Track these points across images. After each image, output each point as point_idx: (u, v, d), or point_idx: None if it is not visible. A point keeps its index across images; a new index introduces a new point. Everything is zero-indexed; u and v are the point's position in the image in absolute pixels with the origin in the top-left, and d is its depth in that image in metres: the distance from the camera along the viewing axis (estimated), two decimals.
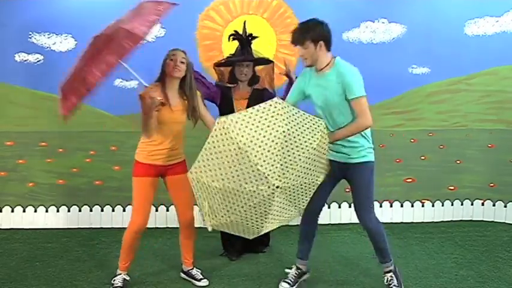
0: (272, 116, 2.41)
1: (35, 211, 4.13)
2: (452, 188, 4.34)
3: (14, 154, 4.08)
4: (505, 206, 4.31)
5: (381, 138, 4.25)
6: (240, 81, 3.35)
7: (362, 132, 2.72)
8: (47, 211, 4.14)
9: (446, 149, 4.30)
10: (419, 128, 4.27)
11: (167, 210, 4.14)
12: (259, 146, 2.36)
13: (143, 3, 2.78)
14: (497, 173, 4.29)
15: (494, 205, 4.34)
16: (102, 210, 4.17)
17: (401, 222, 4.29)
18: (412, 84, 4.19)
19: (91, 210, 4.17)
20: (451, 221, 4.32)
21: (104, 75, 2.44)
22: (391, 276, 2.86)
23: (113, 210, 4.16)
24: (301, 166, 2.52)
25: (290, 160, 2.46)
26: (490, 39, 4.13)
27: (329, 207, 4.20)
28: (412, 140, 4.28)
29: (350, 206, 4.25)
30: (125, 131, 4.01)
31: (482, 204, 4.36)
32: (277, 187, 2.45)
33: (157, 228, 4.06)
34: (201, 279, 3.02)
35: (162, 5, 2.65)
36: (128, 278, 2.93)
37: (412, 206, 4.34)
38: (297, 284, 2.94)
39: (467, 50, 4.12)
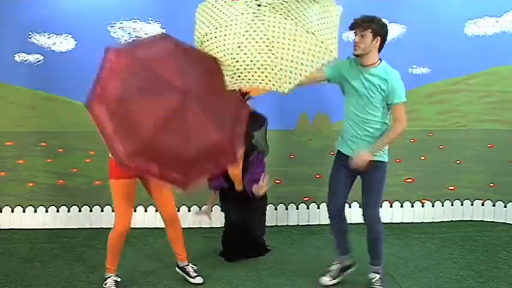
0: None
1: (35, 211, 4.13)
2: (452, 188, 4.34)
3: (14, 154, 4.08)
4: (505, 206, 4.31)
5: None
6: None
7: (379, 135, 2.77)
8: (46, 211, 4.14)
9: (446, 149, 4.30)
10: (419, 128, 4.26)
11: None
12: None
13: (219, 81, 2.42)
14: (497, 173, 4.29)
15: (494, 205, 4.34)
16: (102, 211, 4.17)
17: (401, 222, 4.29)
18: (412, 84, 4.17)
19: (91, 211, 4.17)
20: (451, 221, 4.32)
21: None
22: (379, 279, 2.91)
23: (113, 211, 4.14)
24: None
25: None
26: (490, 39, 4.13)
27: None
28: (412, 140, 4.28)
29: (350, 207, 4.25)
30: None
31: (482, 204, 4.36)
32: (259, 5, 2.36)
33: (157, 228, 4.05)
34: (196, 276, 3.03)
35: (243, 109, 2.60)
36: (119, 279, 2.93)
37: (412, 206, 4.34)
38: (339, 278, 3.00)
39: (467, 50, 4.12)
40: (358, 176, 2.87)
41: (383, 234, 2.87)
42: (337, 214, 2.92)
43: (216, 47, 2.40)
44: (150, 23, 3.99)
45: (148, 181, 2.88)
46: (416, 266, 3.31)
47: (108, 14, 3.96)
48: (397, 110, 2.72)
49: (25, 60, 3.98)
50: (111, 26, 3.97)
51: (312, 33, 2.32)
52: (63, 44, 3.98)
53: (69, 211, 4.15)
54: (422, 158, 4.31)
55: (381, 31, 2.72)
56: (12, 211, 4.12)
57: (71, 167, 4.11)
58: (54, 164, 4.10)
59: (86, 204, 4.16)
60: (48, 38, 3.97)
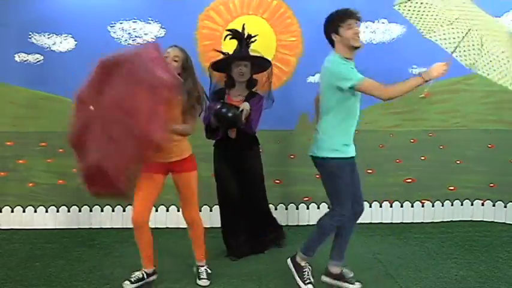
0: None
1: (35, 211, 4.13)
2: (452, 188, 4.34)
3: (14, 154, 4.08)
4: (505, 206, 4.31)
5: (381, 138, 4.26)
6: (237, 81, 3.34)
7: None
8: (46, 211, 4.14)
9: (446, 149, 4.30)
10: (419, 128, 4.27)
11: (167, 210, 4.14)
12: None
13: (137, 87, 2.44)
14: (497, 173, 4.29)
15: (494, 205, 4.34)
16: (102, 211, 4.17)
17: (401, 223, 4.29)
18: None
19: (91, 211, 4.17)
20: (451, 221, 4.32)
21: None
22: (299, 266, 2.91)
23: (113, 211, 4.16)
24: None
25: None
26: None
27: (329, 208, 4.20)
28: (412, 140, 4.28)
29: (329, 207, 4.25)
30: None
31: (482, 204, 4.36)
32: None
33: (157, 228, 4.05)
34: (202, 278, 3.02)
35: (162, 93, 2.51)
36: (146, 273, 2.94)
37: (412, 206, 4.34)
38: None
39: None
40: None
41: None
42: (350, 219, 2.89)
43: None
44: (150, 23, 4.00)
45: (175, 179, 2.88)
46: (416, 266, 3.31)
47: (108, 14, 3.96)
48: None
49: (25, 60, 3.98)
50: (111, 26, 3.97)
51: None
52: (63, 44, 3.98)
53: (69, 211, 4.15)
54: (422, 158, 4.31)
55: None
56: (12, 211, 4.12)
57: (71, 167, 4.08)
58: (54, 164, 4.10)
59: (85, 204, 4.16)
60: (48, 38, 3.97)
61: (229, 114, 3.15)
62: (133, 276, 2.91)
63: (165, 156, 2.77)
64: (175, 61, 2.76)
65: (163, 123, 2.39)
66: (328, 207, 2.95)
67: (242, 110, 3.16)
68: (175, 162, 2.84)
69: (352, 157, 2.82)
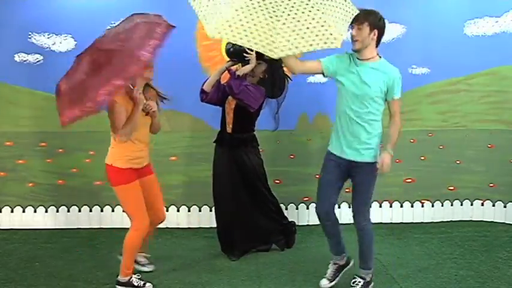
0: None
1: (35, 211, 4.13)
2: (452, 188, 4.34)
3: (13, 154, 4.08)
4: (505, 206, 4.32)
5: (381, 138, 4.25)
6: (250, 76, 3.30)
7: (378, 133, 2.76)
8: (46, 211, 4.14)
9: (446, 149, 4.30)
10: (419, 128, 4.27)
11: (167, 210, 4.14)
12: None
13: (138, 22, 2.79)
14: (497, 173, 4.29)
15: (493, 205, 4.34)
16: (101, 211, 4.17)
17: (401, 223, 4.29)
18: (412, 85, 4.18)
19: (91, 211, 4.16)
20: (451, 221, 4.32)
21: (109, 97, 2.44)
22: (363, 285, 2.89)
23: (113, 211, 4.16)
24: None
25: None
26: (489, 39, 4.13)
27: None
28: (411, 140, 4.28)
29: (350, 207, 4.25)
30: None
31: (482, 204, 4.36)
32: None
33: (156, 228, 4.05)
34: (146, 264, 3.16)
35: (160, 27, 2.66)
36: (139, 276, 2.97)
37: (412, 206, 4.34)
38: (337, 278, 2.99)
39: (466, 50, 4.12)
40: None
41: (374, 235, 2.88)
42: (325, 217, 2.88)
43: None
44: None
45: (143, 183, 2.90)
46: (416, 266, 3.31)
47: (108, 14, 3.95)
48: (395, 105, 2.78)
49: (25, 60, 3.98)
50: (111, 26, 3.96)
51: (323, 13, 2.29)
52: (63, 44, 3.98)
53: (68, 211, 4.15)
54: (422, 158, 4.31)
55: (378, 24, 2.65)
56: (12, 211, 4.12)
57: (70, 167, 4.11)
58: (54, 164, 4.10)
59: (85, 205, 4.16)
60: (48, 38, 3.97)
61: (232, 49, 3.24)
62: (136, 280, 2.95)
63: (141, 162, 2.86)
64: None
65: (153, 45, 2.52)
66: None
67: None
68: (144, 167, 2.91)
69: (336, 155, 2.81)
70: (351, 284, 2.92)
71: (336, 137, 2.82)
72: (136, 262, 3.10)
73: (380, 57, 2.74)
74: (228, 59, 3.34)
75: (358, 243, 2.89)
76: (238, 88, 3.16)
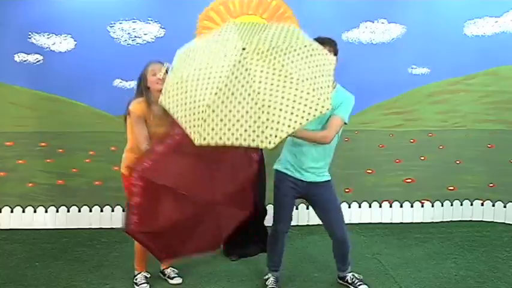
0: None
1: (35, 211, 4.13)
2: (451, 188, 4.34)
3: (13, 154, 4.08)
4: (505, 207, 4.32)
5: (381, 139, 4.26)
6: None
7: (331, 151, 2.74)
8: (46, 211, 4.14)
9: (446, 149, 4.30)
10: (418, 129, 4.27)
11: None
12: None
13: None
14: (497, 174, 4.29)
15: (493, 205, 4.34)
16: (101, 211, 4.17)
17: (401, 223, 4.29)
18: (412, 85, 4.19)
19: (90, 211, 4.16)
20: (451, 221, 4.32)
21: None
22: (353, 275, 2.96)
23: (113, 211, 4.16)
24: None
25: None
26: (489, 39, 4.13)
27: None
28: (411, 141, 4.29)
29: (350, 207, 4.26)
30: (125, 132, 4.00)
31: (482, 204, 4.36)
32: (244, 49, 2.08)
33: None
34: (174, 277, 3.06)
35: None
36: (148, 275, 2.97)
37: (412, 206, 4.34)
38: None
39: (466, 50, 4.13)
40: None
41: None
42: (277, 239, 2.89)
43: (185, 92, 2.11)
44: (149, 23, 3.99)
45: None
46: (416, 266, 3.31)
47: (108, 14, 3.96)
48: (333, 120, 2.57)
49: (25, 61, 3.98)
50: (111, 26, 3.97)
51: (302, 81, 2.05)
52: (62, 44, 3.98)
53: (68, 211, 4.15)
54: (422, 158, 4.31)
55: (337, 52, 2.61)
56: (12, 211, 4.12)
57: (70, 167, 4.11)
58: (54, 164, 4.10)
59: (85, 205, 4.16)
60: (48, 38, 3.97)
61: None
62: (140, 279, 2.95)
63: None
64: (165, 73, 2.76)
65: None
66: (324, 225, 2.95)
67: None
68: None
69: (292, 176, 2.77)
70: (351, 281, 2.94)
71: (293, 163, 2.75)
72: (164, 274, 3.08)
73: (334, 81, 2.65)
74: None
75: (337, 252, 2.92)
76: None
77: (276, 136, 2.01)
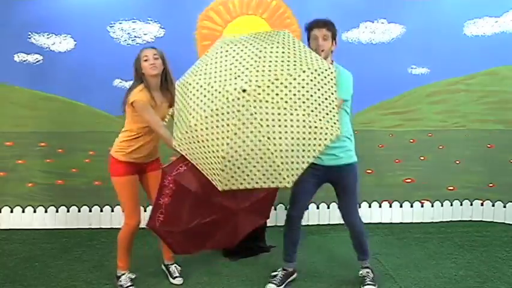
0: (278, 42, 2.22)
1: (34, 211, 4.13)
2: (451, 188, 4.34)
3: (13, 154, 4.08)
4: (504, 206, 4.32)
5: (381, 138, 4.26)
6: None
7: (349, 135, 2.75)
8: (46, 211, 4.14)
9: (446, 149, 4.30)
10: (418, 128, 4.27)
11: None
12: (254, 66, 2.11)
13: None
14: (497, 173, 4.29)
15: (493, 205, 4.34)
16: (101, 211, 4.16)
17: (401, 223, 4.29)
18: (412, 85, 4.19)
19: (90, 211, 4.16)
20: (451, 221, 4.32)
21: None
22: (368, 272, 2.96)
23: (112, 211, 4.16)
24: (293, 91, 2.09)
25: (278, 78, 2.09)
26: (489, 39, 4.13)
27: (328, 207, 4.21)
28: (411, 140, 4.29)
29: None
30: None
31: (482, 204, 4.36)
32: (244, 90, 2.05)
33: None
34: (177, 277, 3.05)
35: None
36: (133, 276, 2.96)
37: (412, 206, 4.34)
38: (284, 284, 2.98)
39: (466, 50, 4.13)
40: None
41: (365, 231, 2.93)
42: (293, 224, 2.92)
43: (197, 142, 2.18)
44: (149, 23, 4.00)
45: (149, 178, 2.90)
46: (416, 266, 3.31)
47: (108, 14, 3.96)
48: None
49: (24, 61, 3.98)
50: (111, 26, 3.97)
51: (309, 114, 2.08)
52: (62, 44, 3.98)
53: (68, 211, 4.15)
54: (422, 158, 4.31)
55: (336, 35, 2.69)
56: (12, 211, 4.12)
57: (70, 167, 4.11)
58: (54, 164, 4.10)
59: (85, 205, 4.16)
60: (48, 38, 3.97)
61: None
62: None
63: (146, 157, 2.85)
64: (156, 58, 2.76)
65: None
66: (339, 207, 2.94)
67: None
68: (150, 163, 2.90)
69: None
70: (361, 276, 2.96)
71: None
72: (167, 269, 3.09)
73: (333, 61, 2.73)
74: None
75: (354, 241, 2.94)
76: None
77: (293, 175, 2.12)
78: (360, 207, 4.26)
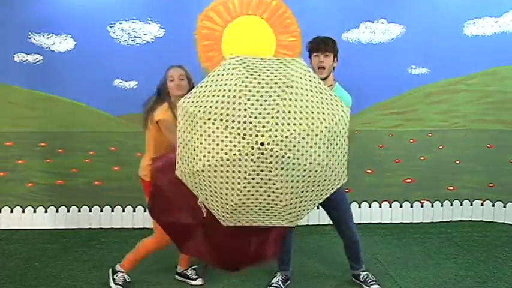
0: (287, 66, 2.14)
1: (34, 211, 4.13)
2: (451, 188, 4.34)
3: (13, 154, 4.08)
4: (504, 207, 4.32)
5: (381, 139, 4.26)
6: None
7: None
8: (46, 211, 4.14)
9: (446, 149, 4.30)
10: (418, 128, 4.27)
11: None
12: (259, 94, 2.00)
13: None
14: (497, 174, 4.29)
15: (493, 205, 4.34)
16: (101, 211, 4.16)
17: (401, 223, 4.29)
18: (412, 85, 4.19)
19: (90, 211, 4.16)
20: (451, 221, 4.32)
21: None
22: (366, 274, 2.98)
23: (112, 211, 4.16)
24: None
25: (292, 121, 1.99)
26: (489, 39, 4.13)
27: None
28: (411, 140, 4.29)
29: (359, 207, 4.25)
30: (125, 131, 4.01)
31: (482, 204, 4.36)
32: (262, 144, 1.93)
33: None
34: (196, 278, 3.05)
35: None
36: (128, 280, 2.94)
37: (412, 206, 4.34)
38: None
39: (466, 50, 4.13)
40: None
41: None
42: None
43: (205, 186, 2.12)
44: (149, 23, 3.99)
45: None
46: (416, 266, 3.31)
47: (108, 14, 3.96)
48: None
49: (24, 61, 3.98)
50: (111, 26, 3.97)
51: (321, 171, 2.04)
52: (62, 44, 3.97)
53: (68, 211, 4.15)
54: (422, 158, 4.31)
55: (337, 52, 2.75)
56: (12, 211, 4.12)
57: (70, 167, 4.11)
58: (54, 164, 4.09)
59: (85, 205, 4.16)
60: (48, 38, 3.97)
61: None
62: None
63: None
64: (182, 79, 2.78)
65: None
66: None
67: None
68: None
69: None
70: (362, 279, 2.97)
71: None
72: (183, 276, 3.09)
73: (335, 81, 2.79)
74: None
75: (348, 251, 2.98)
76: None
77: (298, 219, 2.22)
78: (359, 207, 4.28)
